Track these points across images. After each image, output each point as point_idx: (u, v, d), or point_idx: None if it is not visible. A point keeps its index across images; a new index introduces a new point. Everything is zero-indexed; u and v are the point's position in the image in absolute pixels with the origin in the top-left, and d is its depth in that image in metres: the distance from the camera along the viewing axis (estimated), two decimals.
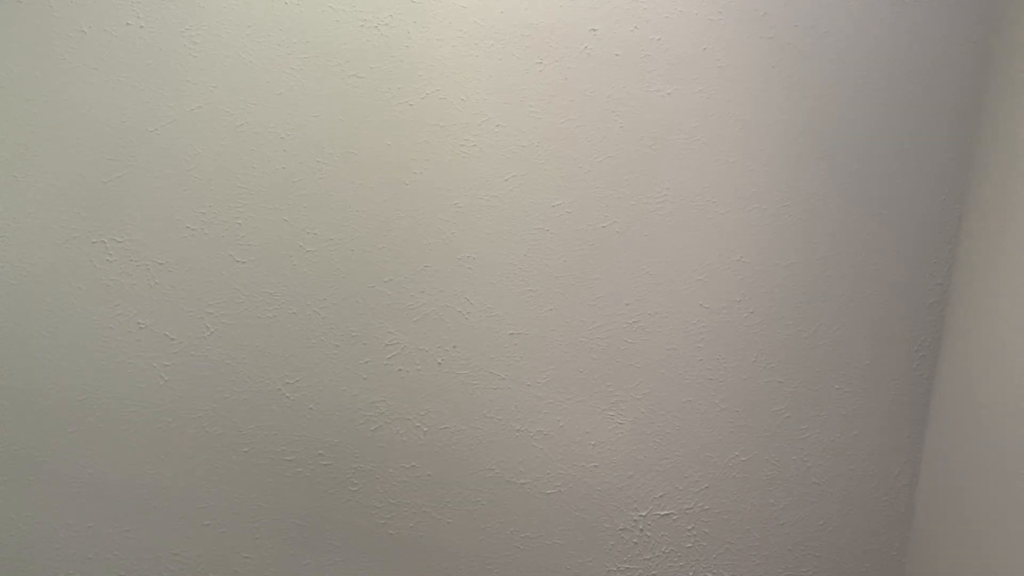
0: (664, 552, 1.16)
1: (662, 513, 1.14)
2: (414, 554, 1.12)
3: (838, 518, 1.16)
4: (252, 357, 1.12)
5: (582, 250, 1.13)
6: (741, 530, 1.16)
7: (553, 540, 1.13)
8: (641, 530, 1.13)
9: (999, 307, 1.04)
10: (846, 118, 1.13)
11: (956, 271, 1.14)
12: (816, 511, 1.16)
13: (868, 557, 1.17)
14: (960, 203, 1.14)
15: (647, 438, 1.14)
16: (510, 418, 1.13)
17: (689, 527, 1.16)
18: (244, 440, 1.12)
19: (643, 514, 1.13)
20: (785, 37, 1.11)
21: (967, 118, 1.12)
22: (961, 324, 1.12)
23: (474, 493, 1.13)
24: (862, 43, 1.12)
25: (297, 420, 1.13)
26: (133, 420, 1.11)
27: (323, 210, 1.11)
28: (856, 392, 1.15)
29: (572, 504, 1.13)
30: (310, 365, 1.12)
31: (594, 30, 1.10)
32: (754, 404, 1.15)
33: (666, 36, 1.11)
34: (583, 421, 1.13)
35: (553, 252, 1.13)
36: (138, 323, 1.10)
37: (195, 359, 1.11)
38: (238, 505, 1.12)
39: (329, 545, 1.13)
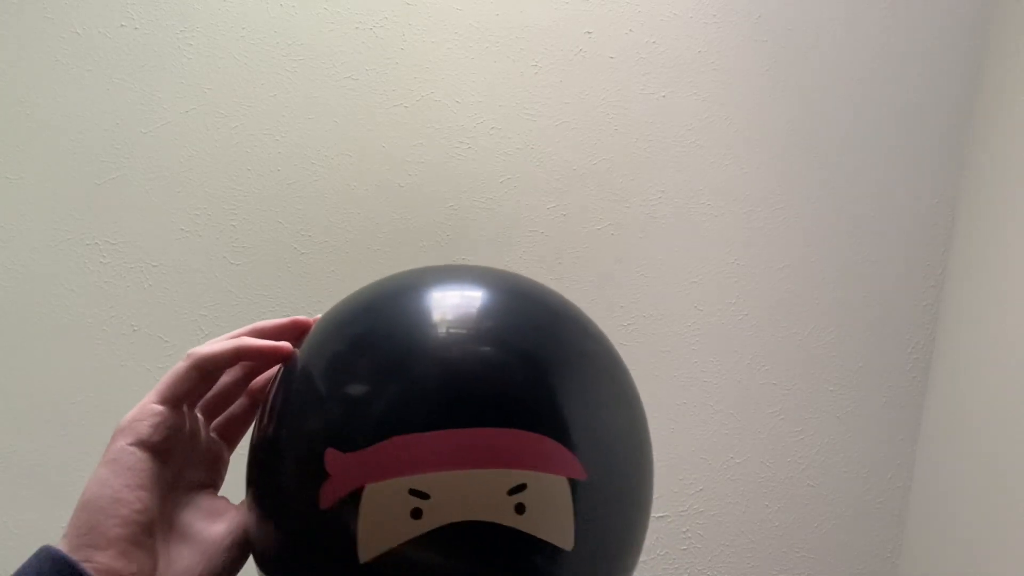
0: (659, 555, 1.16)
1: (657, 516, 1.14)
2: None
3: (832, 520, 1.17)
4: None
5: (576, 252, 1.13)
6: (735, 532, 1.16)
7: None
8: None
9: (992, 309, 1.04)
10: (839, 121, 1.13)
11: (949, 273, 1.14)
12: (810, 513, 1.16)
13: (862, 559, 1.17)
14: (952, 205, 1.14)
15: None
16: None
17: (683, 529, 1.16)
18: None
19: None
20: (780, 40, 1.12)
21: (960, 120, 1.13)
22: (954, 326, 1.12)
23: None
24: (856, 47, 1.12)
25: None
26: None
27: (317, 212, 1.10)
28: (850, 394, 1.16)
29: None
30: None
31: (589, 33, 1.11)
32: (748, 406, 1.15)
33: (661, 39, 1.11)
34: None
35: (548, 254, 1.13)
36: (131, 325, 1.10)
37: None
38: None
39: None
